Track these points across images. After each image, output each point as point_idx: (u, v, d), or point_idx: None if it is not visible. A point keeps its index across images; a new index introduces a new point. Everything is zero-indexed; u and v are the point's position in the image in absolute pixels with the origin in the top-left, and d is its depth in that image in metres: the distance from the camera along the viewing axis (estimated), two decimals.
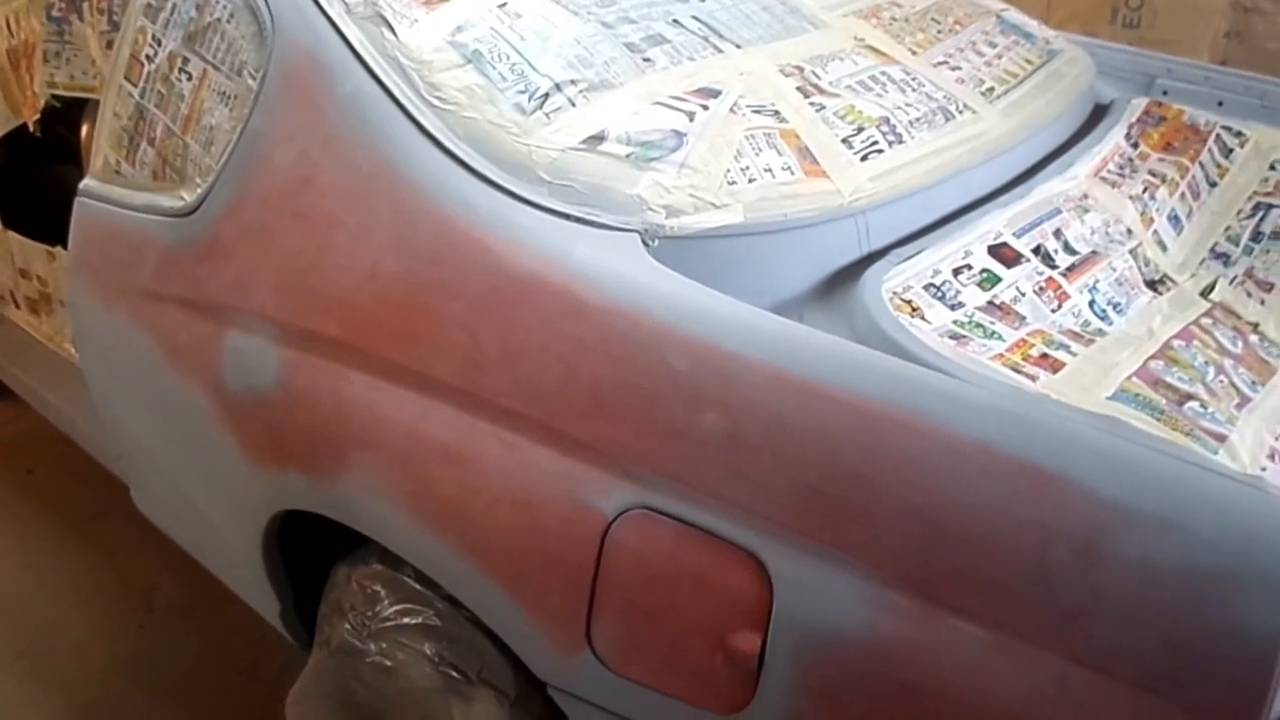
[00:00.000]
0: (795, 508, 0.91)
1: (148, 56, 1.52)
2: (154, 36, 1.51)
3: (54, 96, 1.94)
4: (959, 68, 1.45)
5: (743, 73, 1.28)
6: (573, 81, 1.21)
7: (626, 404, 0.99)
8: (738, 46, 1.32)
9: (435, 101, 1.21)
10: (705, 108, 1.21)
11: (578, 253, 1.06)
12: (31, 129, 2.03)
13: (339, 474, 1.20)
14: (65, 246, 2.08)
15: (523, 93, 1.20)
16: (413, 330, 1.14)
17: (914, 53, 1.44)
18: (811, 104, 1.26)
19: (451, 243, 1.12)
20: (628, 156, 1.15)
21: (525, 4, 1.31)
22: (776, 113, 1.23)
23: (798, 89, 1.28)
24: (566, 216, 1.11)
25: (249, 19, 1.36)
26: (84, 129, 2.02)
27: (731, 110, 1.21)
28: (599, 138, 1.16)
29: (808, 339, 0.95)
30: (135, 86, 1.54)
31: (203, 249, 1.38)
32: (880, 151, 1.23)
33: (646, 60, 1.26)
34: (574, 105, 1.20)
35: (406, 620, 1.25)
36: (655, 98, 1.21)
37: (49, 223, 2.32)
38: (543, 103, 1.19)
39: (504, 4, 1.31)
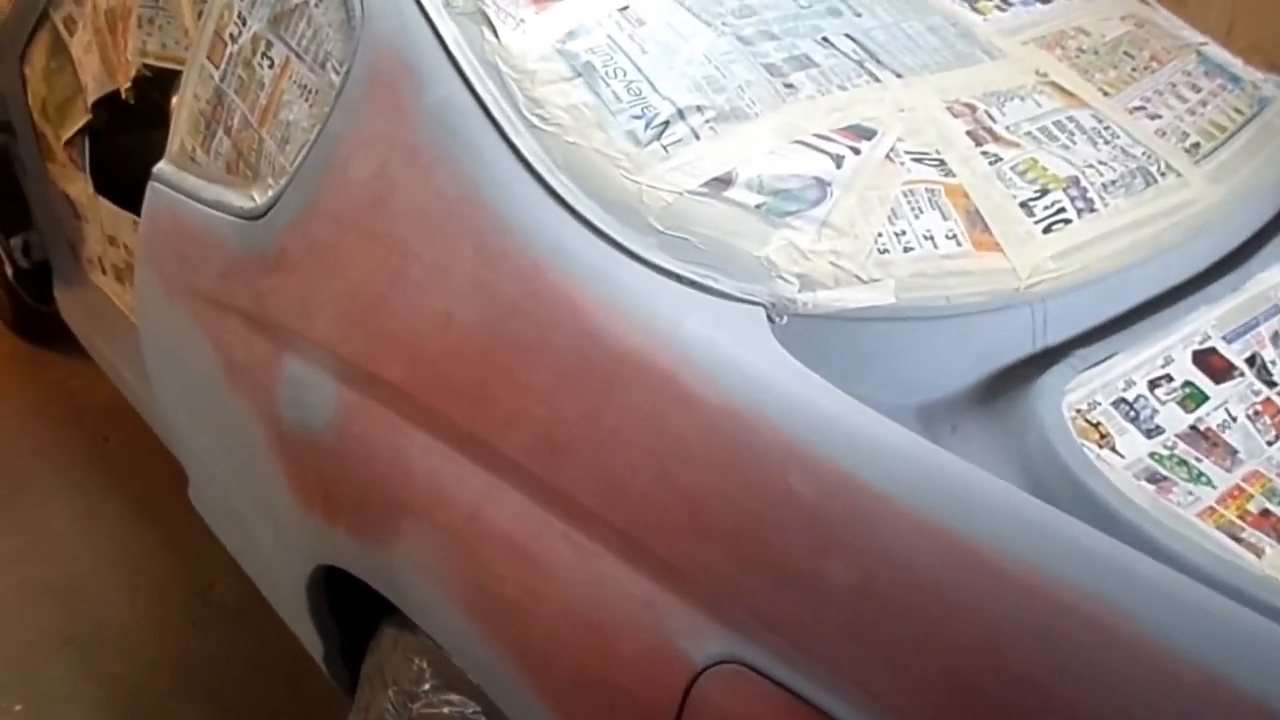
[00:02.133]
0: (937, 705, 0.69)
1: (231, 36, 1.35)
2: (240, 14, 1.34)
3: (145, 65, 1.81)
4: (1159, 115, 1.18)
5: (903, 109, 1.04)
6: (699, 108, 0.99)
7: (732, 528, 0.78)
8: (898, 75, 1.09)
9: (535, 120, 1.00)
10: (856, 151, 0.98)
11: (688, 327, 0.85)
12: (124, 95, 1.90)
13: (388, 542, 1.02)
14: None
15: (639, 118, 0.99)
16: (485, 394, 0.95)
17: (1106, 94, 1.18)
18: (984, 154, 1.02)
19: (538, 296, 0.92)
20: (758, 207, 0.93)
21: (650, 8, 1.10)
22: (941, 162, 0.99)
23: (968, 133, 1.04)
24: (678, 278, 0.90)
25: (338, 5, 1.18)
26: (174, 100, 1.88)
27: (888, 156, 0.98)
28: (725, 181, 0.95)
29: (975, 485, 0.72)
30: (217, 68, 1.37)
31: (269, 260, 1.21)
32: (1067, 221, 0.98)
33: (788, 86, 1.04)
34: (698, 138, 0.98)
35: (447, 710, 1.07)
36: (796, 134, 0.99)
37: (138, 191, 2.22)
38: (661, 132, 0.98)
39: (625, 7, 1.09)
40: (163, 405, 1.58)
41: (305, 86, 1.21)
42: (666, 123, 0.99)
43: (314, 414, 1.11)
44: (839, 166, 0.96)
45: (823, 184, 0.95)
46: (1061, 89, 1.15)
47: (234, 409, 1.28)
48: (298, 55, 1.23)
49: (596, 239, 0.93)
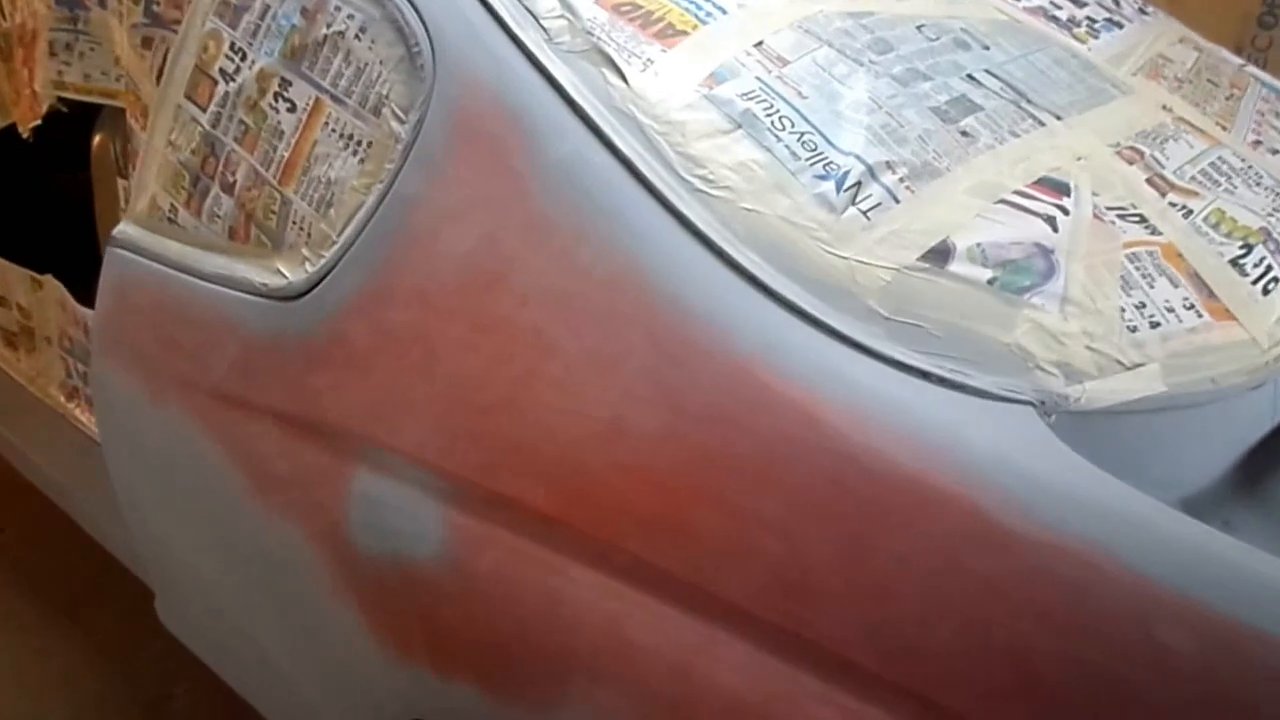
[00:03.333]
0: None
1: (224, 72, 1.09)
2: (234, 46, 1.08)
3: (60, 99, 1.48)
4: (1277, 150, 1.12)
5: (1079, 157, 0.92)
6: (889, 165, 0.84)
7: (1081, 698, 0.63)
8: (1057, 118, 0.96)
9: (698, 183, 0.82)
10: (1064, 210, 0.85)
11: (969, 439, 0.70)
12: (25, 135, 1.56)
13: (547, 706, 0.82)
14: (56, 276, 1.66)
15: (824, 178, 0.83)
16: (684, 522, 0.76)
17: (1223, 128, 1.11)
18: (1173, 205, 0.91)
19: (753, 401, 0.74)
20: (990, 284, 0.78)
21: (787, 44, 0.93)
22: (1142, 218, 0.88)
23: (1148, 182, 0.93)
24: (924, 374, 0.74)
25: (392, 38, 0.95)
26: (96, 138, 1.56)
27: (1095, 215, 0.86)
28: (943, 253, 0.79)
29: None
30: (203, 110, 1.11)
31: (317, 349, 0.97)
32: (1277, 280, 0.89)
33: (965, 135, 0.90)
34: (897, 200, 0.82)
35: None
36: (996, 192, 0.85)
37: (36, 244, 1.85)
38: (855, 195, 0.82)
39: (760, 43, 0.92)
40: (131, 509, 1.29)
41: (351, 136, 0.97)
42: (859, 183, 0.82)
43: (410, 543, 0.89)
44: (1055, 229, 0.83)
45: (1046, 251, 0.81)
46: (1193, 125, 1.07)
47: (267, 528, 1.03)
48: (334, 97, 0.99)
49: (812, 329, 0.76)
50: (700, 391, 0.76)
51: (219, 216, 1.09)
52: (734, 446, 0.74)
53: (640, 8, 0.92)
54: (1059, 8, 1.19)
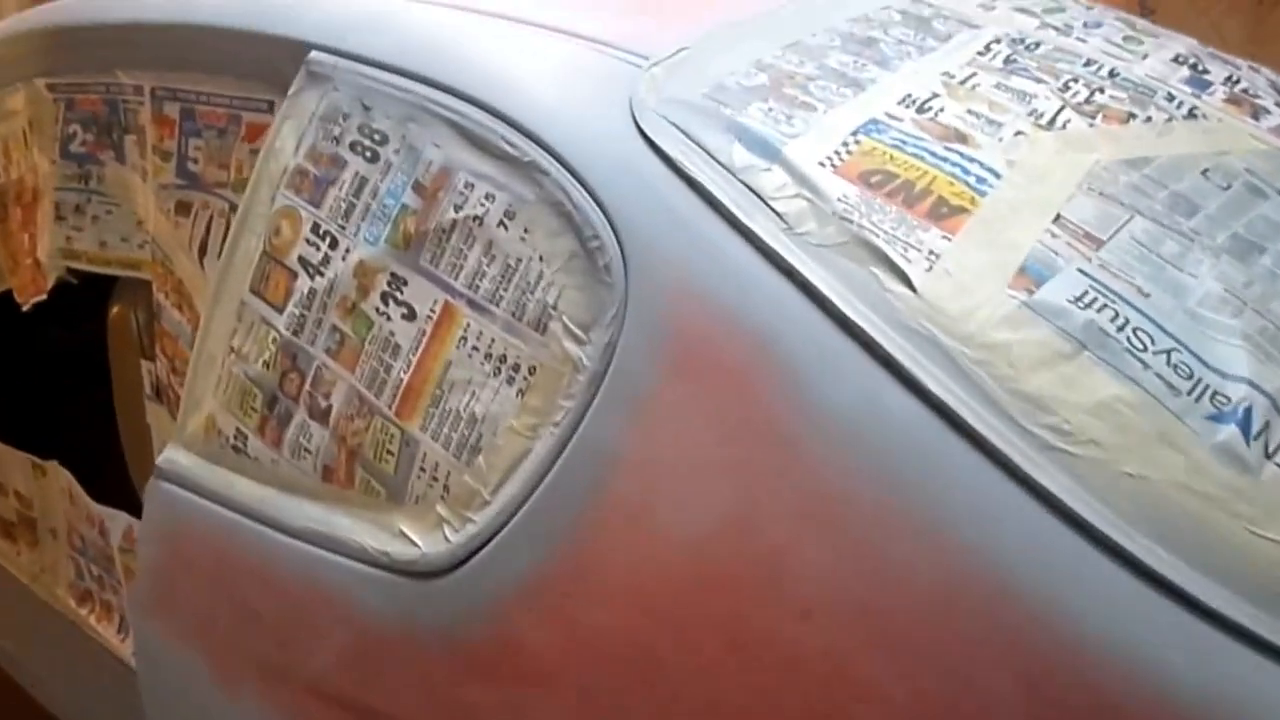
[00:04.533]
0: None
1: (306, 263, 0.83)
2: (318, 229, 0.83)
3: (71, 270, 1.21)
4: None
5: None
6: None
7: None
8: None
9: (1050, 436, 0.57)
10: None
11: None
12: (24, 307, 1.29)
13: None
14: (61, 462, 1.37)
15: (1217, 419, 0.58)
16: None
17: None
18: None
19: None
20: None
21: (1084, 214, 0.69)
22: None
23: None
24: None
25: (556, 226, 0.70)
26: (114, 309, 1.28)
27: None
28: None
29: None
30: (278, 310, 0.84)
31: (474, 652, 0.69)
32: None
33: None
34: None
35: None
36: None
37: (39, 425, 1.55)
38: (1268, 443, 0.58)
39: (1058, 216, 0.68)
40: None
41: (502, 358, 0.71)
42: (1267, 423, 0.58)
43: None
44: None
45: None
46: None
47: None
48: (473, 304, 0.73)
49: (1250, 650, 0.52)
50: None
51: (308, 451, 0.82)
52: None
53: (896, 176, 0.68)
54: None
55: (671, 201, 0.67)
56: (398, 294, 0.77)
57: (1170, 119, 0.83)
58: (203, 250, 1.03)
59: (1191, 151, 0.81)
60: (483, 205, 0.74)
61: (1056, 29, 0.98)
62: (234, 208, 0.99)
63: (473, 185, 0.74)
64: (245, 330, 0.87)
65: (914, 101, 0.76)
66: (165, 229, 1.08)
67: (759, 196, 0.66)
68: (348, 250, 0.80)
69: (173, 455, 0.90)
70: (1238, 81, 0.95)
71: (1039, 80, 0.84)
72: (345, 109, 0.83)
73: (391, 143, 0.79)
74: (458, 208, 0.75)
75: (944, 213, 0.66)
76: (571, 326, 0.68)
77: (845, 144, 0.70)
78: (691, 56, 0.76)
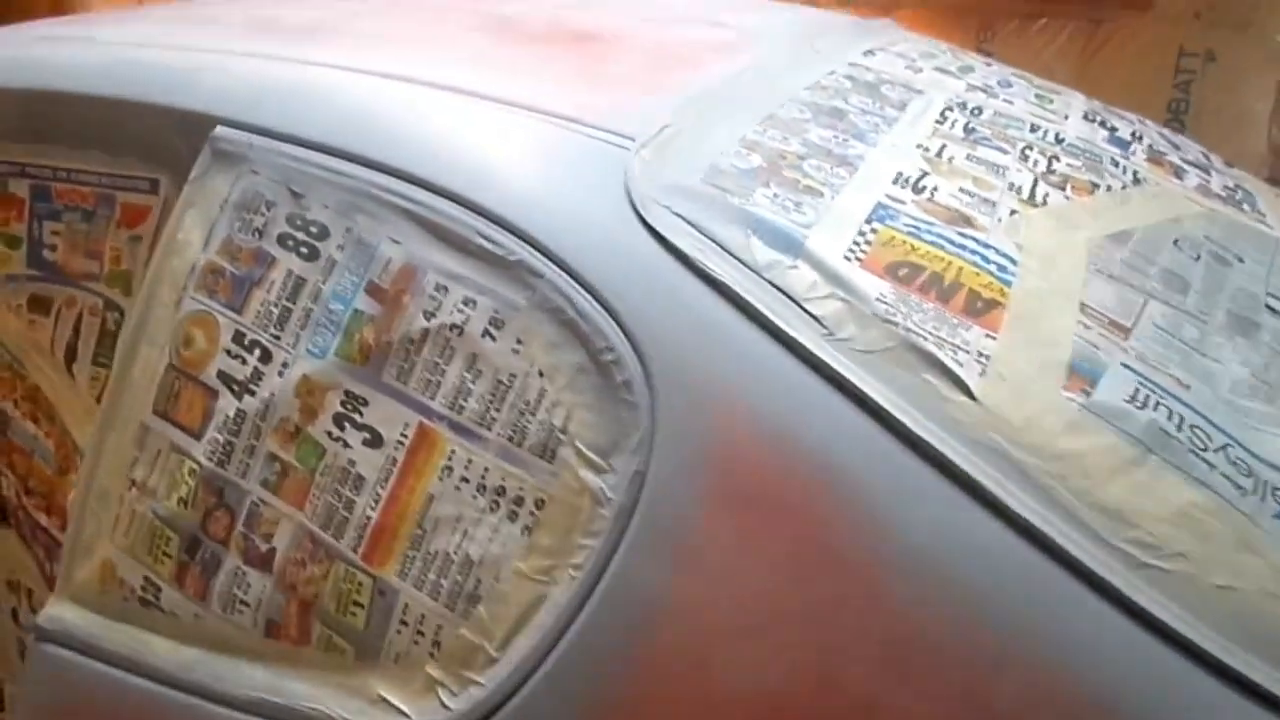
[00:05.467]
0: None
1: (229, 379, 0.68)
2: (242, 338, 0.68)
3: None
4: None
5: None
6: None
7: None
8: None
9: (1138, 552, 0.52)
10: None
11: None
12: None
13: None
14: None
15: None
16: None
17: None
18: None
19: None
20: None
21: (1104, 299, 0.65)
22: None
23: None
24: None
25: (557, 336, 0.60)
26: None
27: None
28: None
29: None
30: (194, 435, 0.69)
31: None
32: None
33: None
34: None
35: None
36: None
37: None
38: None
39: (1083, 304, 0.65)
40: None
41: (500, 490, 0.61)
42: None
43: None
44: None
45: None
46: None
47: None
48: (457, 427, 0.62)
49: None
50: None
51: (245, 603, 0.67)
52: None
53: (922, 268, 0.63)
54: (1208, 179, 1.01)
55: (695, 306, 0.59)
56: (356, 416, 0.65)
57: (1125, 186, 0.83)
58: (70, 354, 0.86)
59: (1155, 221, 0.81)
60: (461, 312, 0.63)
61: (982, 90, 0.97)
62: (110, 305, 0.84)
63: (445, 288, 0.63)
64: (150, 460, 0.71)
65: (908, 181, 0.71)
66: (13, 327, 0.89)
67: (791, 298, 0.59)
68: (285, 364, 0.67)
69: (57, 612, 0.73)
70: (1142, 138, 0.98)
71: (1001, 150, 0.82)
72: (268, 195, 0.70)
73: (333, 237, 0.67)
74: (429, 314, 0.63)
75: (979, 308, 0.62)
76: (587, 452, 0.59)
77: (863, 233, 0.64)
78: (678, 136, 0.68)
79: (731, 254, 0.61)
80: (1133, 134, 0.97)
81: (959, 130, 0.83)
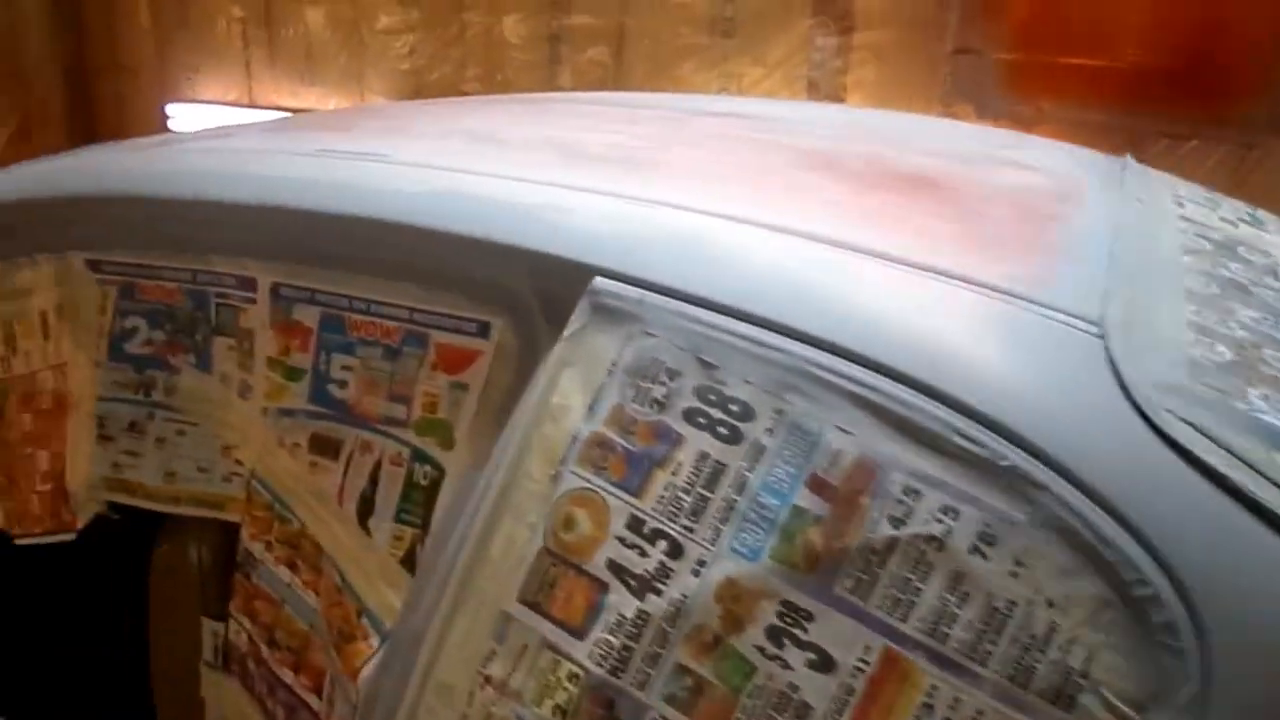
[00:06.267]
0: None
1: (624, 571, 0.58)
2: (641, 527, 0.59)
3: (113, 505, 0.88)
4: None
5: None
6: None
7: None
8: None
9: None
10: None
11: None
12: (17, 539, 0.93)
13: None
14: None
15: None
16: None
17: None
18: None
19: None
20: None
21: None
22: None
23: None
24: None
25: (1069, 563, 0.50)
26: (162, 546, 0.94)
27: None
28: None
29: None
30: (576, 635, 0.60)
31: None
32: None
33: None
34: None
35: None
36: None
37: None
38: None
39: None
40: None
41: None
42: None
43: None
44: None
45: None
46: None
47: None
48: (941, 659, 0.52)
49: None
50: None
51: None
52: None
53: None
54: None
55: (1245, 538, 0.51)
56: (798, 632, 0.56)
57: None
58: (365, 506, 0.76)
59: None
60: (940, 522, 0.54)
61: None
62: (420, 456, 0.74)
63: (917, 492, 0.55)
64: (513, 655, 0.61)
65: None
66: (285, 467, 0.80)
67: None
68: (701, 562, 0.58)
69: None
70: None
71: None
72: (669, 363, 0.61)
73: (759, 418, 0.59)
74: (897, 522, 0.55)
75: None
76: (1117, 704, 0.50)
77: None
78: (1140, 320, 0.61)
79: (1258, 470, 0.53)
80: None
81: None
